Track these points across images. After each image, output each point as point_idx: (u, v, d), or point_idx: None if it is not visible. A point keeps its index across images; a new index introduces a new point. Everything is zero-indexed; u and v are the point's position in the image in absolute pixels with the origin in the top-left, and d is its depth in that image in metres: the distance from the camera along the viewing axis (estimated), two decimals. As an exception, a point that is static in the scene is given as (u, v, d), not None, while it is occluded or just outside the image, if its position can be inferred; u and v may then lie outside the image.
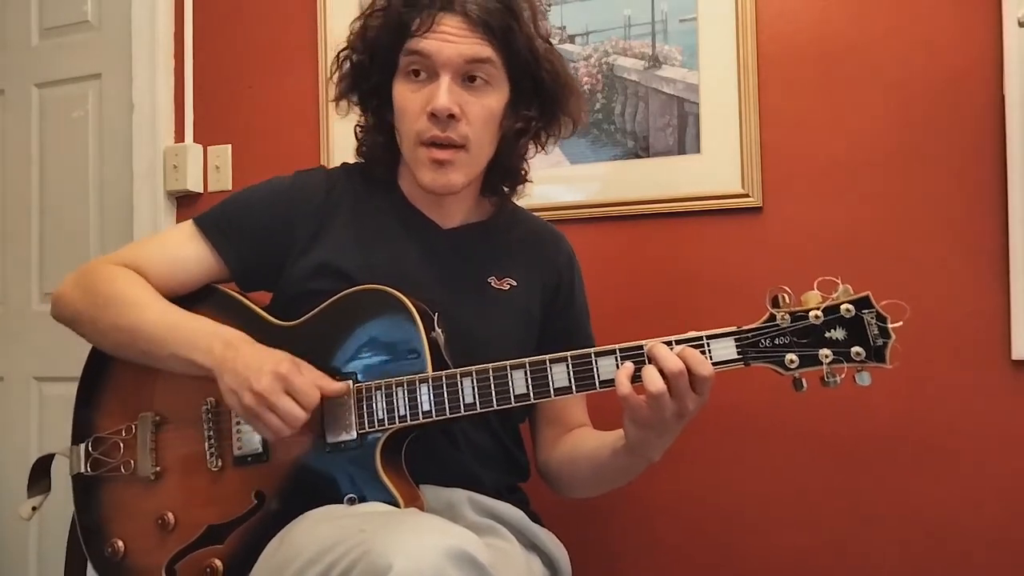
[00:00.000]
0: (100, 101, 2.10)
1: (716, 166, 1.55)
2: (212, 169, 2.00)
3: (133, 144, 2.02)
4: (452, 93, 1.10)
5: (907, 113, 1.45)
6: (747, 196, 1.53)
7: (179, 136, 2.02)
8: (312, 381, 1.04)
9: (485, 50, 1.11)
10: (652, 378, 0.94)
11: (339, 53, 1.22)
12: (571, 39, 1.69)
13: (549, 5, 1.70)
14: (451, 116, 1.10)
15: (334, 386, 1.05)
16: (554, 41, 1.66)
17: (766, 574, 1.51)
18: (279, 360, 1.04)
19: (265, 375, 1.01)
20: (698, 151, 1.57)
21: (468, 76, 1.12)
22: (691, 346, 0.95)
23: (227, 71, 1.99)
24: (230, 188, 1.96)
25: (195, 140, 2.01)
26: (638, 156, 1.62)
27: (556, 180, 1.68)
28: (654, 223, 1.60)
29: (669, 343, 0.96)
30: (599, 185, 1.64)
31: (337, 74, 1.22)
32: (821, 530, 1.48)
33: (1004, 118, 1.37)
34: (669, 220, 1.59)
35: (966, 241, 1.41)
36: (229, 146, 1.99)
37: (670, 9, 1.61)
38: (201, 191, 2.00)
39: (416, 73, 1.13)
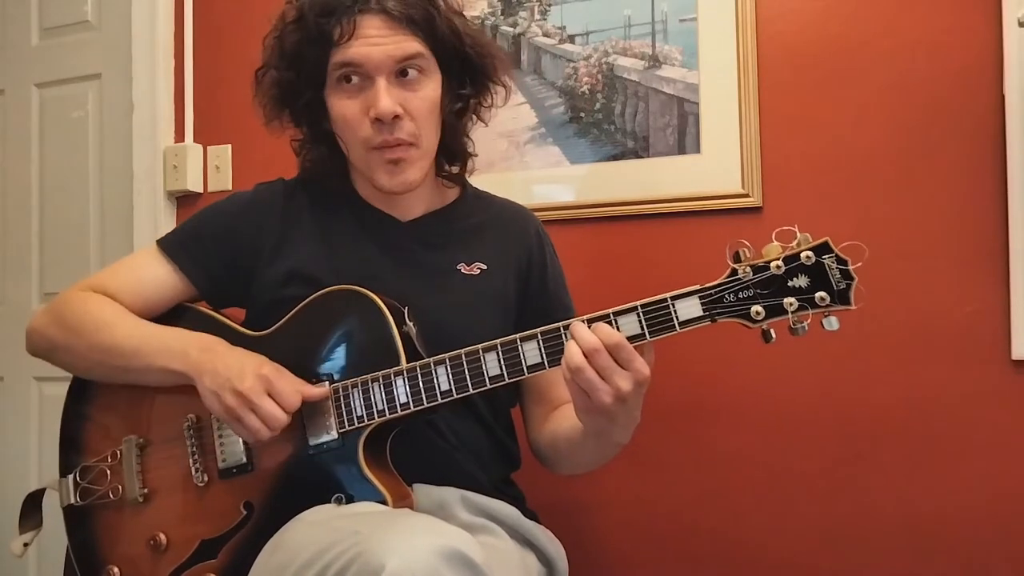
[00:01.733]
0: (100, 101, 2.10)
1: (716, 166, 1.55)
2: (212, 169, 2.00)
3: (133, 144, 2.02)
4: (391, 94, 1.10)
5: (907, 113, 1.45)
6: (747, 196, 1.53)
7: (179, 136, 2.02)
8: (292, 385, 1.04)
9: (413, 45, 1.11)
10: (570, 352, 0.94)
11: (257, 72, 1.20)
12: (571, 39, 1.69)
13: (549, 5, 1.70)
14: (395, 117, 1.10)
15: (314, 391, 1.05)
16: (554, 40, 1.69)
17: (764, 570, 1.51)
18: (261, 362, 1.05)
19: (248, 375, 1.02)
20: (698, 151, 1.57)
21: (401, 72, 1.12)
22: (657, 309, 0.95)
23: (227, 71, 1.99)
24: (230, 188, 1.96)
25: (195, 140, 2.02)
26: (638, 156, 1.62)
27: (556, 180, 1.68)
28: (654, 223, 1.60)
29: (634, 308, 0.96)
30: (599, 185, 1.64)
31: (261, 94, 1.20)
32: (820, 528, 1.47)
33: (1004, 118, 1.37)
34: (669, 220, 1.59)
35: (966, 241, 1.41)
36: (229, 146, 1.99)
37: (670, 9, 1.60)
38: (201, 191, 2.00)
39: (348, 79, 1.12)
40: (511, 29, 1.73)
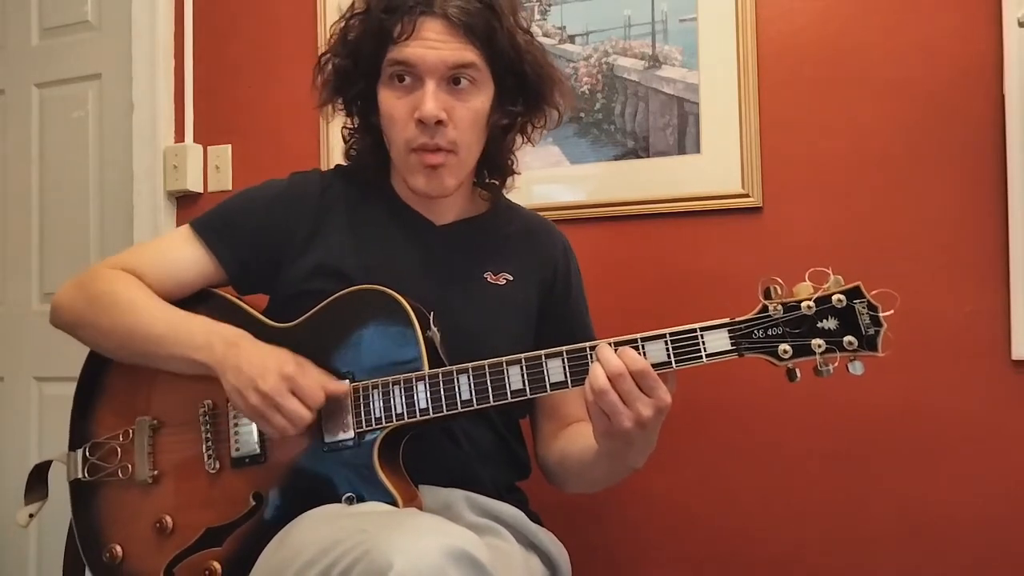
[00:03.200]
0: (100, 101, 2.10)
1: (716, 166, 1.55)
2: (212, 169, 2.00)
3: (133, 144, 2.02)
4: (438, 99, 1.10)
5: (907, 113, 1.45)
6: (747, 196, 1.53)
7: (179, 136, 2.02)
8: (316, 381, 1.04)
9: (469, 54, 1.11)
10: (594, 375, 0.95)
11: (321, 57, 1.22)
12: (571, 39, 1.69)
13: (549, 5, 1.70)
14: (439, 122, 1.11)
15: (337, 386, 1.06)
16: (554, 41, 1.69)
17: (764, 571, 1.51)
18: (284, 360, 1.04)
19: (271, 375, 1.02)
20: (698, 151, 1.57)
21: (453, 79, 1.12)
22: (685, 338, 0.96)
23: (227, 71, 1.99)
24: (230, 188, 1.96)
25: (195, 140, 2.01)
26: (638, 156, 1.62)
27: (556, 180, 1.68)
28: (654, 223, 1.60)
29: (662, 336, 0.96)
30: (599, 185, 1.64)
31: (320, 78, 1.22)
32: (821, 529, 1.48)
33: (1004, 118, 1.37)
34: (669, 220, 1.59)
35: (966, 241, 1.41)
36: (229, 146, 1.99)
37: (670, 9, 1.61)
38: (201, 191, 2.00)
39: (400, 79, 1.13)
40: (511, 29, 1.73)
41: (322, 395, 1.04)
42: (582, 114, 1.67)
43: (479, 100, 1.14)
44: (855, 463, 1.46)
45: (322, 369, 1.08)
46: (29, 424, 2.15)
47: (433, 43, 1.10)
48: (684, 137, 1.59)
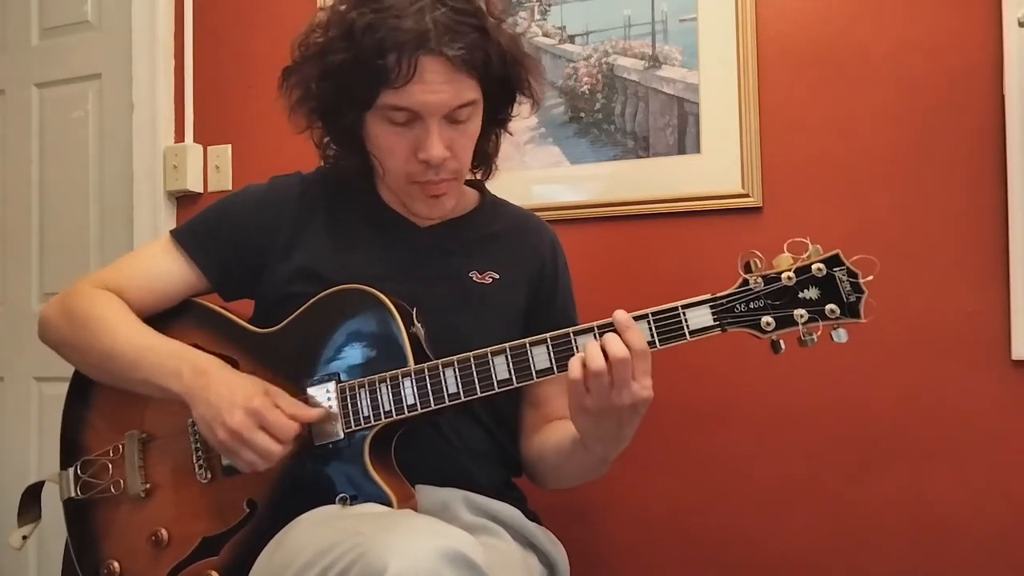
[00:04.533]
0: (100, 101, 2.10)
1: (716, 166, 1.55)
2: (212, 169, 2.00)
3: (133, 144, 2.03)
4: (442, 138, 1.08)
5: (907, 113, 1.45)
6: (747, 196, 1.53)
7: (179, 136, 2.02)
8: (287, 412, 1.03)
9: (470, 91, 1.09)
10: (592, 354, 0.95)
11: (286, 71, 1.16)
12: (571, 39, 1.69)
13: (549, 5, 1.70)
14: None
15: (310, 413, 1.05)
16: (554, 41, 1.69)
17: (763, 571, 1.51)
18: (251, 394, 1.03)
19: (237, 410, 1.01)
20: (698, 151, 1.57)
21: (453, 115, 1.09)
22: (667, 317, 0.96)
23: (227, 71, 1.99)
24: (230, 188, 1.96)
25: (195, 140, 2.02)
26: (638, 156, 1.62)
27: (556, 180, 1.68)
28: (654, 223, 1.60)
29: (645, 316, 0.97)
30: (599, 185, 1.64)
31: (293, 97, 1.16)
32: (820, 529, 1.48)
33: (1004, 118, 1.37)
34: (669, 220, 1.59)
35: (966, 241, 1.41)
36: (229, 146, 1.99)
37: (670, 9, 1.60)
38: (201, 191, 2.00)
39: (399, 117, 1.09)
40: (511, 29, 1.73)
41: (293, 427, 1.02)
42: (582, 114, 1.67)
43: (475, 124, 1.13)
44: (855, 463, 1.46)
45: (305, 371, 1.08)
46: (29, 424, 2.16)
47: (435, 86, 1.05)
48: (684, 137, 1.59)
